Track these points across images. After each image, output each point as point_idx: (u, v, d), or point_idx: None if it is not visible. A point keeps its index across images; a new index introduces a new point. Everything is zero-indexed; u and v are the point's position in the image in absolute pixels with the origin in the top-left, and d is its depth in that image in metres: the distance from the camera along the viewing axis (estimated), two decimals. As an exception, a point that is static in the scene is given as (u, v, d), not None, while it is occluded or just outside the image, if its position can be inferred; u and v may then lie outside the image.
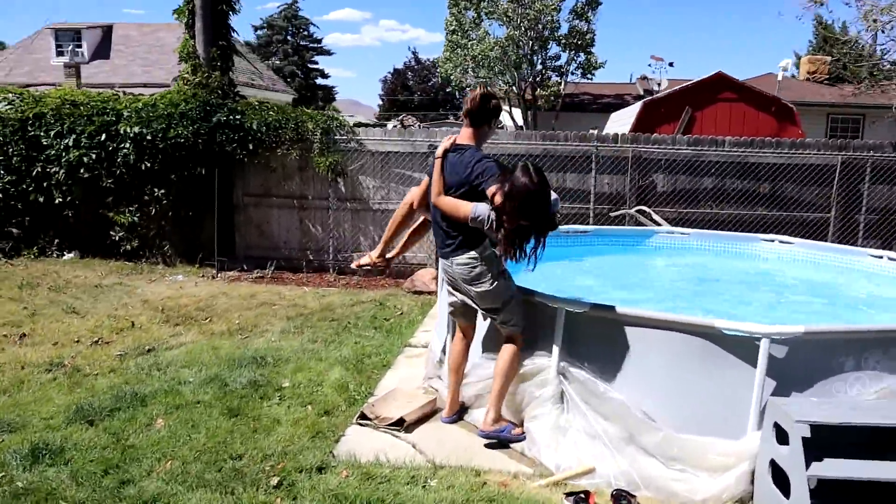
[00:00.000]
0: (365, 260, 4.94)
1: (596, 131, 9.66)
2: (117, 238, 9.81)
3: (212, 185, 9.60)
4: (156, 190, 9.60)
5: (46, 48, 28.83)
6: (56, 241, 10.04)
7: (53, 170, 9.66)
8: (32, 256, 9.85)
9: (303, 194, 9.95)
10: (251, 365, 5.60)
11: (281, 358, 5.84)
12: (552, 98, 22.73)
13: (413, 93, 51.95)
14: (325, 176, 9.70)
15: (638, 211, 9.12)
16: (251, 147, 9.58)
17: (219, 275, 9.43)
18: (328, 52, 51.24)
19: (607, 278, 6.73)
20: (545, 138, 9.53)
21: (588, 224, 9.20)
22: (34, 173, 9.73)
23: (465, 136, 4.23)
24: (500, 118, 4.35)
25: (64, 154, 9.58)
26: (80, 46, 28.42)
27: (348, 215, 9.94)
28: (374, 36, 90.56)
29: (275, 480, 3.69)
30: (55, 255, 9.95)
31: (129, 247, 9.80)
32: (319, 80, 49.23)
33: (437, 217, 4.26)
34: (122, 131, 9.44)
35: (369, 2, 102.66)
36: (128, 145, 9.45)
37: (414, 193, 4.67)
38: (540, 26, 21.39)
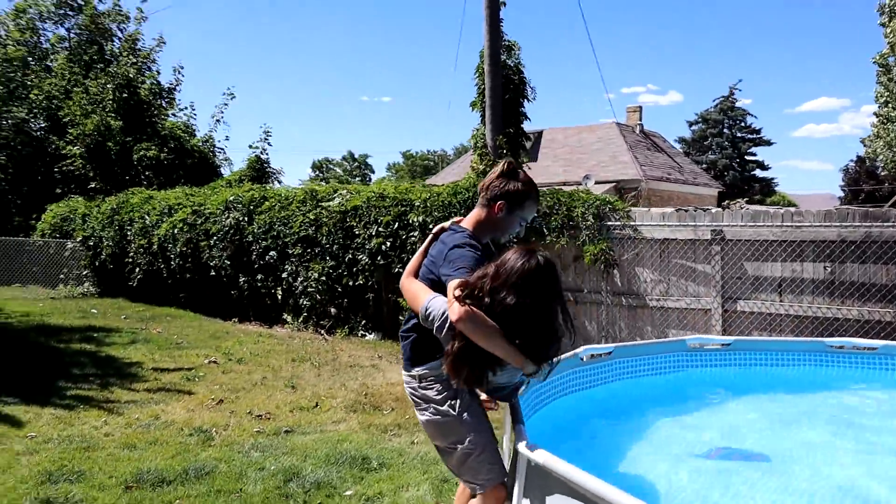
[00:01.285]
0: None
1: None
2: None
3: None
4: (436, 277, 9.66)
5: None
6: (363, 321, 10.79)
7: (360, 256, 10.48)
8: (344, 335, 10.71)
9: (578, 287, 8.98)
10: (347, 464, 5.01)
11: (388, 462, 5.11)
12: None
13: (881, 182, 44.97)
14: (598, 267, 8.63)
15: None
16: (521, 234, 9.06)
17: (487, 368, 8.96)
18: (767, 143, 47.06)
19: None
20: (867, 217, 7.01)
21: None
22: (347, 259, 10.69)
23: (469, 216, 3.12)
24: (526, 212, 3.13)
25: (367, 242, 10.34)
26: (512, 153, 31.46)
27: (623, 312, 8.62)
28: (854, 124, 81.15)
29: None
30: (360, 335, 10.67)
31: (412, 332, 9.98)
32: (758, 173, 45.72)
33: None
34: (411, 220, 9.83)
35: (849, 88, 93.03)
36: (416, 233, 9.78)
37: None
38: None
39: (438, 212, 9.57)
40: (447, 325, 2.68)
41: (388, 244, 10.11)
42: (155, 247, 13.91)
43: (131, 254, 14.64)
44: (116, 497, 4.34)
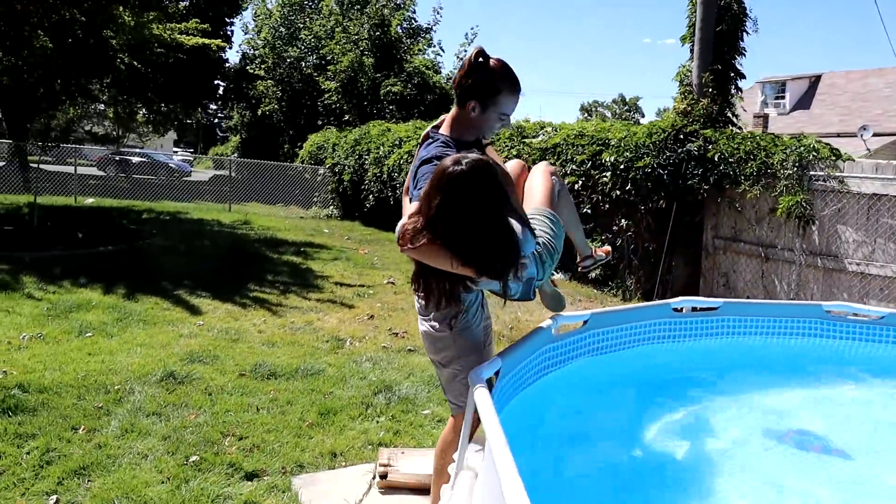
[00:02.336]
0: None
1: None
2: (588, 265, 9.89)
3: (681, 221, 8.82)
4: (623, 220, 9.32)
5: (755, 101, 29.86)
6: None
7: (552, 194, 10.38)
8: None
9: (771, 242, 8.11)
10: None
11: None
12: None
13: None
14: (793, 221, 7.71)
15: None
16: (712, 181, 8.37)
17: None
18: None
19: None
20: None
21: None
22: (540, 197, 10.65)
23: (447, 116, 2.90)
24: (501, 107, 2.77)
25: (558, 180, 10.21)
26: (782, 98, 28.53)
27: (818, 275, 7.64)
28: None
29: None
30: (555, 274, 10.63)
31: (593, 275, 9.77)
32: None
33: None
34: (604, 160, 9.50)
35: None
36: (608, 174, 9.45)
37: None
38: None
39: (630, 152, 9.13)
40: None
41: (581, 183, 9.88)
42: (385, 175, 14.96)
43: (366, 181, 15.90)
44: (227, 381, 4.94)
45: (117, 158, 28.56)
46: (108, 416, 4.18)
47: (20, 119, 23.56)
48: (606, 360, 3.90)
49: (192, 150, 53.01)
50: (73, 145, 19.37)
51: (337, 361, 5.60)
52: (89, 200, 15.71)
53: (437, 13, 22.24)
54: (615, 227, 9.45)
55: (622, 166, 9.21)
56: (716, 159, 8.30)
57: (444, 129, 2.85)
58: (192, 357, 5.38)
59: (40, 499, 3.23)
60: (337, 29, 19.91)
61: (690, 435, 3.65)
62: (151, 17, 14.26)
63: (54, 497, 3.24)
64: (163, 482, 3.46)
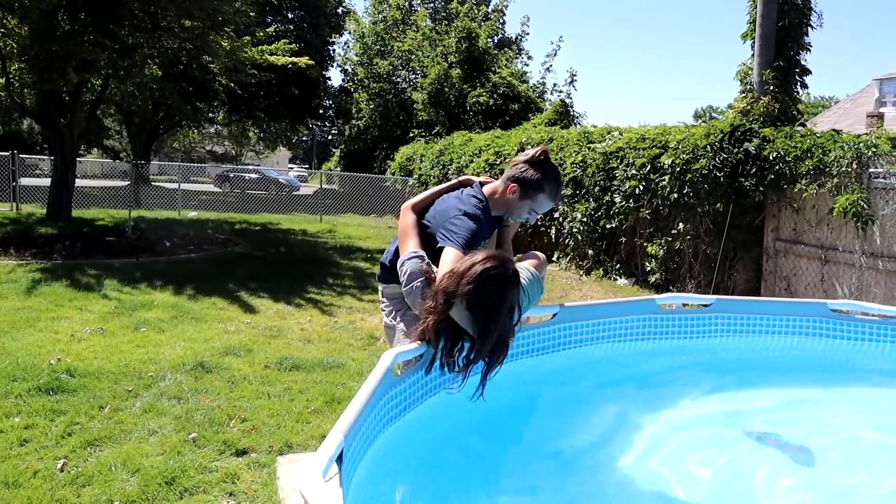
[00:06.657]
0: None
1: None
2: (648, 269, 9.79)
3: (740, 224, 8.63)
4: (680, 224, 9.18)
5: (870, 100, 28.17)
6: (617, 266, 10.68)
7: (616, 199, 10.35)
8: (598, 277, 10.76)
9: (831, 244, 7.80)
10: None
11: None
12: None
13: None
14: (851, 221, 7.39)
15: None
16: (768, 181, 8.13)
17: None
18: None
19: None
20: None
21: None
22: (605, 201, 10.63)
23: (492, 184, 3.14)
24: (537, 204, 3.05)
25: (620, 185, 10.16)
26: (902, 96, 26.79)
27: (880, 277, 7.27)
28: None
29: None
30: (613, 279, 10.60)
31: (653, 279, 9.66)
32: None
33: None
34: (662, 163, 9.41)
35: None
36: (666, 177, 9.35)
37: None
38: None
39: (688, 154, 9.00)
40: (412, 293, 2.72)
41: (641, 187, 9.81)
42: (465, 185, 15.26)
43: (449, 191, 16.28)
44: (251, 372, 5.33)
45: (232, 175, 30.37)
46: (135, 398, 4.66)
47: (144, 142, 25.67)
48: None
49: (307, 167, 55.47)
50: (178, 163, 20.87)
51: (361, 357, 5.90)
52: (191, 214, 16.93)
53: (525, 25, 22.52)
54: (674, 231, 9.32)
55: (679, 169, 9.09)
56: (772, 158, 8.07)
57: (487, 190, 3.09)
58: (228, 350, 5.83)
59: (51, 462, 3.69)
60: (425, 43, 20.50)
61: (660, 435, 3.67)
62: (245, 41, 15.25)
63: (62, 461, 3.70)
64: (160, 454, 3.86)
